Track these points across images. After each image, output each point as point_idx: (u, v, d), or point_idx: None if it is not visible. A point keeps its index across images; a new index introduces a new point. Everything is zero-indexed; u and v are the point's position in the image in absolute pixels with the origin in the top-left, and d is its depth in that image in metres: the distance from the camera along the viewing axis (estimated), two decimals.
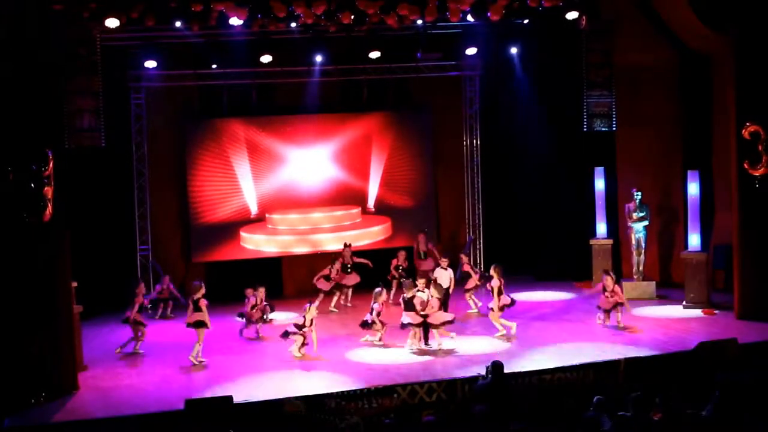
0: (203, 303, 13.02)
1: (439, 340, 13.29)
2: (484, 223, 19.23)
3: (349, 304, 16.28)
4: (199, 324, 13.01)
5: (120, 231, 17.20)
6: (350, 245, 16.47)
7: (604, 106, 17.09)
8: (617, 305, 14.13)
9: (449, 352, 13.07)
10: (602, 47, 16.93)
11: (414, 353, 13.12)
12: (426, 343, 13.31)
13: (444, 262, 15.00)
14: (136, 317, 13.72)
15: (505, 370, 11.53)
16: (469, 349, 13.19)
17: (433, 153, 18.74)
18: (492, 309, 13.85)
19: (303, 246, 17.80)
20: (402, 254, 15.83)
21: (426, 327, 13.29)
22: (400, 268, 16.01)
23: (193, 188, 17.51)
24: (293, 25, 15.10)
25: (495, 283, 13.89)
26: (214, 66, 16.92)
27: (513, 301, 14.11)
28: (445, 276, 14.68)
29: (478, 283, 15.43)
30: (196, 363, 12.96)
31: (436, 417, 10.11)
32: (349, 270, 16.10)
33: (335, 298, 16.21)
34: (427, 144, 18.66)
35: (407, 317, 13.24)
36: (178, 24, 14.66)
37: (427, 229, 17.22)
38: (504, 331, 13.88)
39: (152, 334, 15.10)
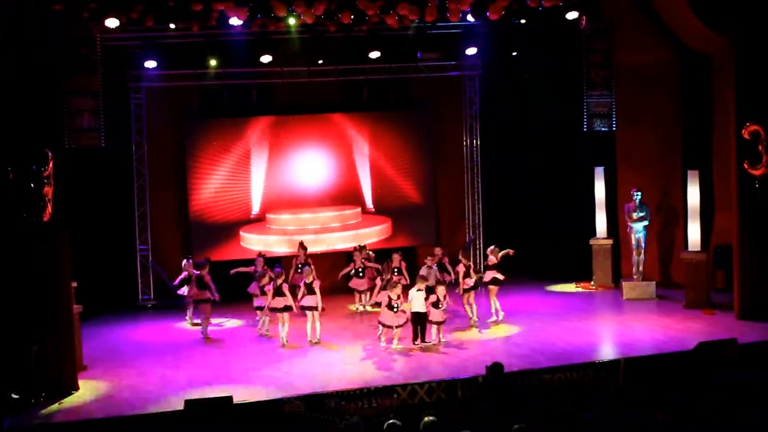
0: (317, 285, 13.80)
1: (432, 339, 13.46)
2: (484, 223, 19.23)
3: (367, 308, 16.08)
4: (314, 307, 13.70)
5: (120, 231, 17.21)
6: (360, 247, 16.38)
7: (604, 106, 17.09)
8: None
9: (449, 353, 13.06)
10: (602, 47, 16.92)
11: (410, 353, 13.13)
12: (423, 341, 13.42)
13: (429, 261, 15.17)
14: (198, 294, 14.43)
15: (506, 370, 11.56)
16: (469, 350, 13.19)
17: (433, 153, 18.74)
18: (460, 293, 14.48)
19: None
20: (397, 256, 15.55)
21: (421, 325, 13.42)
22: (395, 270, 15.67)
23: (193, 188, 17.52)
24: (291, 21, 15.03)
25: (460, 268, 14.50)
26: (214, 63, 16.87)
27: (476, 285, 14.67)
28: (430, 275, 14.67)
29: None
30: (315, 341, 13.74)
31: (436, 417, 10.10)
32: (360, 275, 15.98)
33: (357, 298, 16.18)
34: (427, 144, 18.66)
35: (386, 317, 13.36)
36: (175, 24, 14.63)
37: (361, 245, 16.58)
38: (476, 319, 14.55)
39: (152, 334, 15.16)
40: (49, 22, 12.10)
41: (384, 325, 13.42)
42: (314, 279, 13.90)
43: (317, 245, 17.78)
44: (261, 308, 14.45)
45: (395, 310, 13.27)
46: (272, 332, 14.38)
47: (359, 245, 16.41)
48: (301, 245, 16.13)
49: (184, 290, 15.43)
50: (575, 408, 9.67)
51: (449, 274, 15.39)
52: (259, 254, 15.50)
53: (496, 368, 10.43)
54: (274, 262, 15.73)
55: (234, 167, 17.73)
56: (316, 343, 13.80)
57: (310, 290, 13.78)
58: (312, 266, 14.59)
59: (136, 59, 16.52)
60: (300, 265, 15.68)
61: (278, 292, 13.75)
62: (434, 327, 13.52)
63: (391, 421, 8.13)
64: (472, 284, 14.59)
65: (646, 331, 14.04)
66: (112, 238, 17.02)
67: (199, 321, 14.85)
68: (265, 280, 14.28)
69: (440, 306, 13.42)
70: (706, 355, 11.68)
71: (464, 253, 14.92)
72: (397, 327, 13.32)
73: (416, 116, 18.72)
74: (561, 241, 17.90)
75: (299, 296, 13.97)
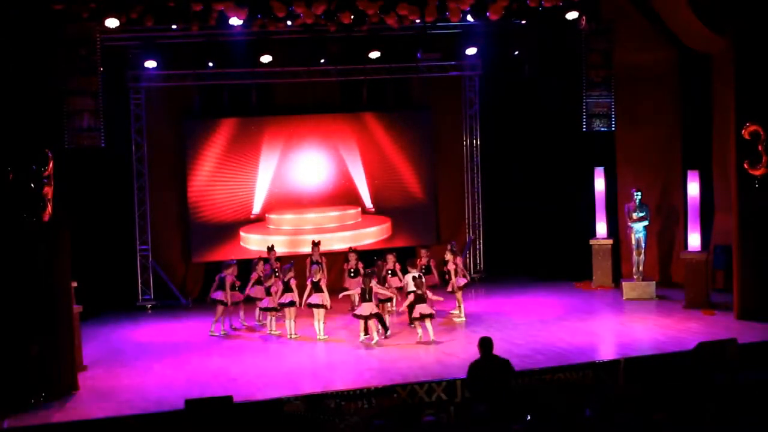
0: (324, 283, 14.25)
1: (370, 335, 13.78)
2: (484, 223, 19.22)
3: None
4: (321, 305, 14.06)
5: (120, 231, 17.21)
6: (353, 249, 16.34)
7: (604, 106, 17.06)
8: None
9: (449, 353, 13.06)
10: (602, 47, 16.89)
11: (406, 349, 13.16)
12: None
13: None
14: (215, 296, 14.65)
15: None
16: (470, 350, 13.15)
17: (433, 153, 18.73)
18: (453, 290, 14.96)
19: (303, 246, 17.75)
20: (391, 257, 15.38)
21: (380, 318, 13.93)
22: (390, 271, 15.56)
23: (193, 188, 17.52)
24: (289, 23, 15.03)
25: (450, 266, 14.85)
26: (211, 64, 16.85)
27: (468, 283, 15.51)
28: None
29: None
30: (323, 337, 14.07)
31: (436, 417, 10.10)
32: (351, 274, 15.91)
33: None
34: (427, 144, 18.65)
35: (316, 298, 14.02)
36: (175, 24, 14.63)
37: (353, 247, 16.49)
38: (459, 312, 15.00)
39: (152, 334, 15.17)
40: (49, 22, 12.11)
41: (361, 317, 13.66)
42: (322, 277, 14.28)
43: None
44: (267, 309, 14.63)
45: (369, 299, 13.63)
46: (279, 330, 14.61)
47: (351, 247, 16.38)
48: (351, 249, 16.22)
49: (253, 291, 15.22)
50: (576, 408, 9.65)
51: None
52: (260, 258, 15.50)
53: (485, 343, 10.16)
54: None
55: (234, 167, 17.73)
56: (324, 339, 14.07)
57: (317, 288, 14.09)
58: (322, 264, 14.85)
59: (136, 59, 16.53)
60: (351, 271, 15.70)
61: (287, 288, 14.19)
62: (369, 322, 13.71)
63: None
64: (464, 282, 15.00)
65: (645, 331, 14.04)
66: (112, 238, 17.02)
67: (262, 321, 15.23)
68: (271, 281, 14.47)
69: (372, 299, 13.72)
70: (705, 355, 11.68)
71: (452, 252, 15.11)
72: (371, 317, 13.64)
73: (416, 116, 18.71)
74: (561, 241, 17.90)
75: (306, 294, 14.18)
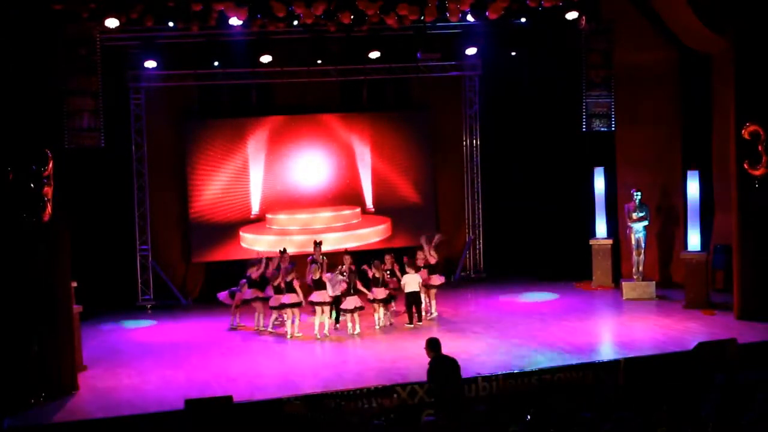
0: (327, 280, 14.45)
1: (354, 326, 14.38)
2: (484, 223, 19.22)
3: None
4: (324, 302, 14.30)
5: (120, 231, 17.20)
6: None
7: (604, 106, 17.06)
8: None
9: (448, 353, 13.03)
10: (602, 47, 16.89)
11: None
12: (419, 321, 14.66)
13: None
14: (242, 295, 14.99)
15: (505, 371, 11.57)
16: (468, 350, 13.17)
17: (433, 153, 18.73)
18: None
19: (303, 246, 17.75)
20: (389, 258, 15.25)
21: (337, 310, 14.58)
22: (388, 272, 15.48)
23: (193, 188, 17.52)
24: (295, 23, 15.02)
25: (432, 260, 15.26)
26: (216, 64, 16.82)
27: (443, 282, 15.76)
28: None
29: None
30: (321, 337, 14.21)
31: (436, 417, 10.09)
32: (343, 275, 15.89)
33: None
34: (427, 144, 18.65)
35: (318, 296, 14.27)
36: (175, 24, 14.62)
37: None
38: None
39: (152, 334, 15.17)
40: (49, 22, 12.11)
41: (346, 311, 14.34)
42: (321, 276, 14.38)
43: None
44: (273, 307, 14.66)
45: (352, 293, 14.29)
46: (278, 330, 14.73)
47: (346, 249, 16.32)
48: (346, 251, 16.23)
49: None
50: (575, 408, 9.65)
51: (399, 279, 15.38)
52: (268, 258, 15.41)
53: (432, 343, 9.84)
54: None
55: (234, 167, 17.73)
56: (325, 337, 14.16)
57: (318, 286, 14.22)
58: (321, 264, 14.78)
59: (136, 59, 16.50)
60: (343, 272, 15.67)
61: (289, 288, 14.24)
62: (354, 315, 14.35)
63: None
64: (441, 282, 15.43)
65: (645, 331, 14.04)
66: (112, 238, 17.01)
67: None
68: (277, 281, 14.51)
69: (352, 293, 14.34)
70: (705, 355, 11.68)
71: (433, 249, 15.34)
72: (355, 311, 14.31)
73: (416, 116, 18.71)
74: (561, 241, 17.90)
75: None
